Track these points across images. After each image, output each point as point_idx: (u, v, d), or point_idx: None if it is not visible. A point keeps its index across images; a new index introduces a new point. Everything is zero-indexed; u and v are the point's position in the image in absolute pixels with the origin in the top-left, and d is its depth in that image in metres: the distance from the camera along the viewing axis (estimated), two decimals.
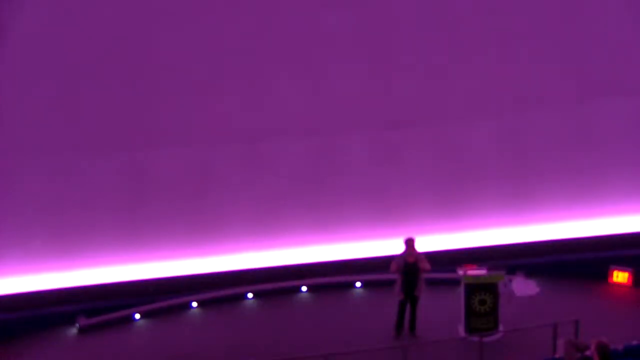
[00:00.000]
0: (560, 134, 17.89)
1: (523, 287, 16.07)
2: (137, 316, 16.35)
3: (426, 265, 14.83)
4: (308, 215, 17.50)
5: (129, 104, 16.71)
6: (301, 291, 17.15)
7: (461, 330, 14.78)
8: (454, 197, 17.76)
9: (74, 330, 16.03)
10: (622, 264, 16.87)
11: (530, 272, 16.71)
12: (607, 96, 17.81)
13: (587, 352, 10.54)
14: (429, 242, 17.12)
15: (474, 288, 14.68)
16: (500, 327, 14.64)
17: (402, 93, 17.45)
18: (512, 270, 16.18)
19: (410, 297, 14.88)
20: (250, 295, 17.00)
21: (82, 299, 16.50)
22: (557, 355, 12.04)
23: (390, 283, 15.48)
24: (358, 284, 17.20)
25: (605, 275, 16.92)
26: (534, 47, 17.65)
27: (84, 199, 16.73)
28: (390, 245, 16.28)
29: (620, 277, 16.80)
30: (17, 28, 15.93)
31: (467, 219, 17.76)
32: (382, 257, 16.55)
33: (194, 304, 16.73)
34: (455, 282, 15.40)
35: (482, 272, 14.83)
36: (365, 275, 17.17)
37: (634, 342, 11.91)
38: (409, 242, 14.92)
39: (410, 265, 14.80)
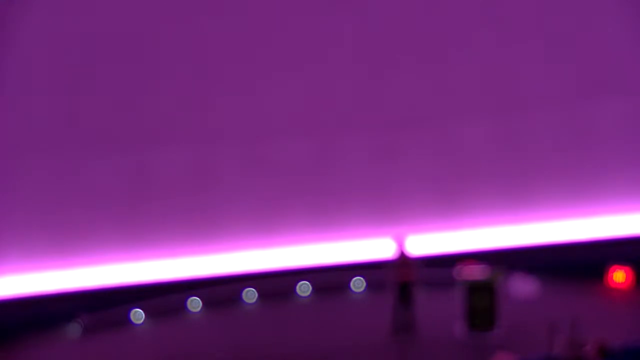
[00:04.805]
0: (559, 133, 17.91)
1: (521, 286, 16.10)
2: (138, 316, 16.38)
3: (415, 273, 14.92)
4: (308, 214, 17.52)
5: (129, 103, 16.75)
6: (301, 291, 17.17)
7: (460, 329, 14.80)
8: (454, 196, 17.77)
9: (74, 330, 16.04)
10: (621, 264, 16.88)
11: (529, 271, 16.72)
12: (607, 95, 17.83)
13: (585, 350, 10.54)
14: (428, 241, 17.18)
15: (473, 287, 14.70)
16: (499, 326, 14.66)
17: (401, 93, 17.47)
18: (510, 270, 16.19)
19: (405, 298, 14.88)
20: (250, 294, 17.02)
21: (83, 298, 16.53)
22: (554, 352, 12.04)
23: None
24: (357, 284, 17.22)
25: (604, 275, 16.92)
26: (534, 46, 17.67)
27: (84, 198, 16.76)
28: (389, 245, 16.29)
29: (619, 276, 16.81)
30: (18, 28, 15.95)
31: (466, 218, 17.77)
32: (381, 257, 16.58)
33: (195, 304, 16.75)
34: (454, 281, 15.40)
35: (481, 270, 14.85)
36: (366, 274, 17.22)
37: (633, 342, 11.92)
38: (399, 243, 14.98)
39: (402, 270, 14.86)
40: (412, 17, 17.36)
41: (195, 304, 16.78)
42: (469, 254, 16.92)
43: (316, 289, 17.16)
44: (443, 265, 16.17)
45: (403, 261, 14.95)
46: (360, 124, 17.53)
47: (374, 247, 17.28)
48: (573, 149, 17.97)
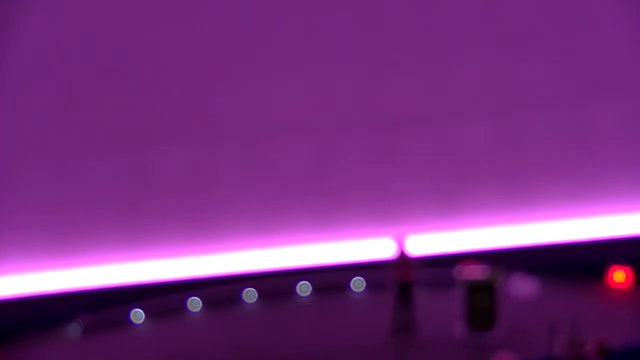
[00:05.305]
0: (559, 133, 17.91)
1: (521, 286, 16.10)
2: (138, 316, 16.38)
3: (416, 272, 14.92)
4: (308, 214, 17.53)
5: (129, 103, 16.75)
6: (301, 291, 17.16)
7: (460, 329, 14.80)
8: (454, 196, 17.77)
9: (74, 330, 16.04)
10: (621, 264, 16.88)
11: (529, 271, 16.72)
12: (607, 95, 17.83)
13: (585, 350, 10.54)
14: (428, 241, 17.17)
15: (473, 287, 14.70)
16: (499, 326, 14.67)
17: (401, 93, 17.47)
18: (510, 270, 16.19)
19: (405, 298, 14.88)
20: (250, 294, 17.01)
21: (83, 298, 16.53)
22: (554, 352, 12.05)
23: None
24: (357, 284, 17.22)
25: (604, 275, 16.92)
26: (533, 46, 17.67)
27: (84, 198, 16.76)
28: (389, 245, 16.30)
29: (619, 276, 16.81)
30: (19, 28, 15.96)
31: (466, 218, 17.78)
32: (381, 257, 16.58)
33: (195, 304, 16.75)
34: (454, 281, 15.41)
35: (481, 270, 14.85)
36: (366, 274, 17.23)
37: (633, 342, 11.92)
38: (399, 243, 14.99)
39: (402, 270, 14.87)
40: (412, 17, 17.36)
41: (195, 304, 16.78)
42: (469, 254, 16.92)
43: (316, 289, 17.16)
44: (443, 265, 16.17)
45: (403, 261, 14.96)
46: (360, 124, 17.52)
47: (374, 247, 17.28)
48: (573, 149, 17.96)
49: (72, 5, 16.34)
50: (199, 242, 17.19)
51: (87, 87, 16.56)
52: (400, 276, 14.90)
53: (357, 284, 17.26)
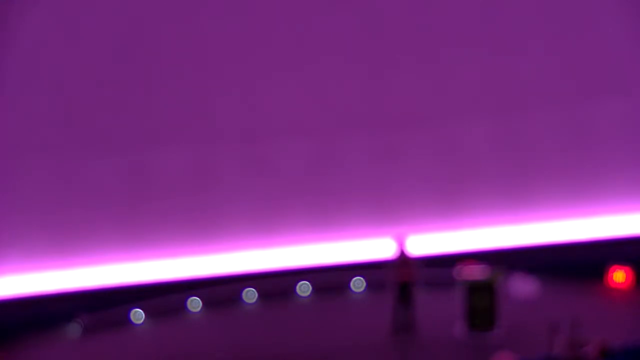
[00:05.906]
0: (559, 133, 17.92)
1: (521, 286, 16.11)
2: (138, 316, 16.38)
3: (416, 272, 14.93)
4: (308, 214, 17.53)
5: (130, 103, 16.76)
6: (301, 291, 17.16)
7: (460, 329, 14.80)
8: (454, 196, 17.78)
9: (74, 330, 16.04)
10: (621, 264, 16.88)
11: (529, 271, 16.71)
12: (607, 95, 17.84)
13: (585, 350, 10.55)
14: (428, 241, 17.17)
15: (473, 287, 14.70)
16: (499, 326, 14.67)
17: (401, 93, 17.48)
18: (510, 270, 16.19)
19: (405, 298, 14.88)
20: (250, 294, 17.02)
21: (83, 298, 16.53)
22: (554, 352, 12.05)
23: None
24: (357, 284, 17.22)
25: (604, 275, 16.92)
26: (534, 46, 17.68)
27: (84, 198, 16.76)
28: (389, 245, 16.30)
29: (619, 276, 16.81)
30: (19, 28, 15.97)
31: (466, 218, 17.78)
32: (381, 257, 16.58)
33: (195, 304, 16.75)
34: (454, 281, 15.42)
35: (481, 270, 14.86)
36: (365, 274, 17.23)
37: (633, 342, 11.93)
38: (400, 242, 14.99)
39: (402, 270, 14.87)
40: (412, 17, 17.37)
41: (195, 304, 16.79)
42: (469, 254, 16.92)
43: (316, 289, 17.16)
44: (443, 265, 16.17)
45: (403, 261, 14.96)
46: (360, 124, 17.53)
47: (374, 247, 17.27)
48: (573, 149, 17.97)
49: (72, 5, 16.35)
50: (199, 242, 17.20)
51: (87, 87, 16.56)
52: (400, 276, 14.90)
53: (357, 284, 17.26)
